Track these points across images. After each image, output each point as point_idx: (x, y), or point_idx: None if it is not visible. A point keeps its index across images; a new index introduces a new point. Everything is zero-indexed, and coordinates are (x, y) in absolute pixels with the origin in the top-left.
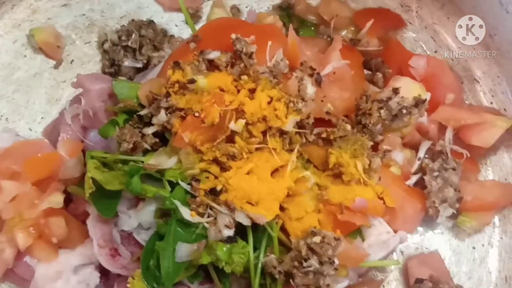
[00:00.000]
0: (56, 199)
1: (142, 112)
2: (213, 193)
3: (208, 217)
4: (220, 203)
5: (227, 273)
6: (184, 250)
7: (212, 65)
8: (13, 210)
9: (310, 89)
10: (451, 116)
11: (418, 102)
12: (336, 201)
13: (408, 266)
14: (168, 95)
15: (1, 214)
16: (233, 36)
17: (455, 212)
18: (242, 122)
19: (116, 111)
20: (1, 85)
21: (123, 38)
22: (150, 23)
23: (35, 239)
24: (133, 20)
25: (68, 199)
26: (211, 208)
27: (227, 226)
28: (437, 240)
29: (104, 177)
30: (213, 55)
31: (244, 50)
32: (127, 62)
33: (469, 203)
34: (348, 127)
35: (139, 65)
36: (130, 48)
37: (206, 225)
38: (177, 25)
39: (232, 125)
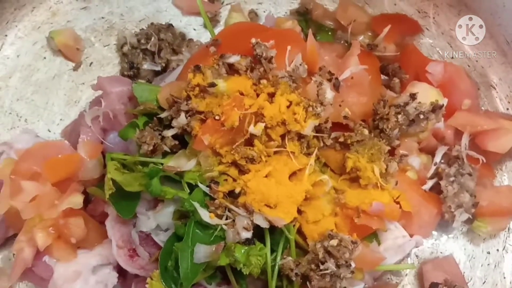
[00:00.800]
0: (76, 200)
1: (163, 115)
2: (231, 195)
3: (227, 219)
4: (239, 206)
5: (244, 275)
6: (202, 252)
7: (231, 69)
8: (33, 210)
9: (329, 93)
10: (468, 122)
11: (435, 108)
12: (353, 205)
13: (423, 270)
14: (188, 98)
15: (21, 214)
16: (253, 40)
17: (470, 217)
18: (261, 125)
19: (136, 114)
20: (20, 86)
21: (142, 41)
22: (169, 26)
23: (54, 239)
24: (152, 23)
25: (87, 200)
26: (230, 210)
27: (245, 229)
28: (452, 245)
29: (124, 178)
30: (233, 59)
31: (264, 55)
32: (146, 65)
33: (485, 208)
34: (366, 131)
35: (158, 68)
36: (149, 51)
37: (225, 227)
38: (195, 29)
39: (252, 129)
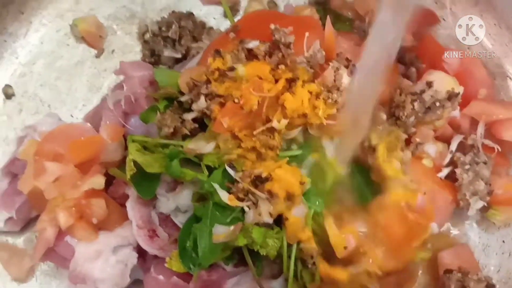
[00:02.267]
0: (98, 181)
1: (183, 99)
2: (258, 180)
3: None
4: (264, 191)
5: (261, 257)
6: (221, 232)
7: (251, 55)
8: (56, 191)
9: (346, 78)
10: (483, 111)
11: (451, 96)
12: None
13: (438, 257)
14: (208, 82)
15: (44, 194)
16: (272, 26)
17: (485, 204)
18: (285, 122)
19: (157, 98)
20: (44, 72)
21: (163, 29)
22: (190, 15)
23: (76, 219)
24: (173, 11)
25: (108, 182)
26: (252, 194)
27: (270, 214)
28: (467, 233)
29: (145, 159)
30: (252, 44)
31: (283, 40)
32: (167, 52)
33: (500, 197)
34: (384, 115)
35: (179, 55)
36: (170, 39)
37: (246, 208)
38: (215, 18)
39: (275, 124)
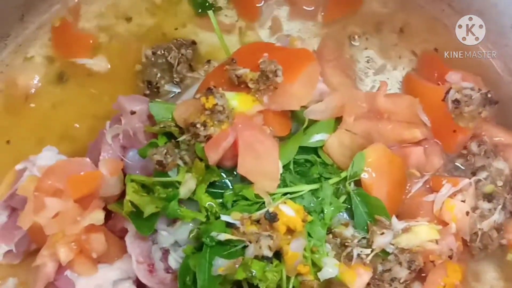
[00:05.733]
0: (98, 216)
1: (180, 139)
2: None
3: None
4: (267, 229)
5: None
6: (220, 265)
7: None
8: (56, 226)
9: None
10: None
11: None
12: None
13: None
14: (205, 124)
15: (44, 230)
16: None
17: None
18: None
19: (156, 133)
20: None
21: (159, 53)
22: (192, 43)
23: (76, 254)
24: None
25: (107, 216)
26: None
27: (269, 248)
28: None
29: (142, 200)
30: (242, 71)
31: (268, 68)
32: (167, 86)
33: None
34: None
35: (178, 90)
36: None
37: (247, 243)
38: None
39: None
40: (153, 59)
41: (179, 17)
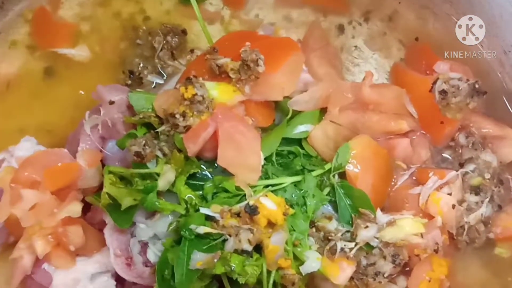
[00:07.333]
0: (75, 209)
1: (159, 129)
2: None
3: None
4: (247, 222)
5: (240, 284)
6: (199, 259)
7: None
8: (32, 219)
9: None
10: None
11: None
12: None
13: None
14: (184, 114)
15: (21, 222)
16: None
17: None
18: None
19: (135, 123)
20: None
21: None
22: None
23: (53, 247)
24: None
25: (86, 208)
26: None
27: (249, 241)
28: None
29: (120, 192)
30: (223, 61)
31: (250, 58)
32: (150, 77)
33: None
34: None
35: (161, 81)
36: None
37: (227, 236)
38: None
39: None
40: (138, 41)
41: (164, 5)
